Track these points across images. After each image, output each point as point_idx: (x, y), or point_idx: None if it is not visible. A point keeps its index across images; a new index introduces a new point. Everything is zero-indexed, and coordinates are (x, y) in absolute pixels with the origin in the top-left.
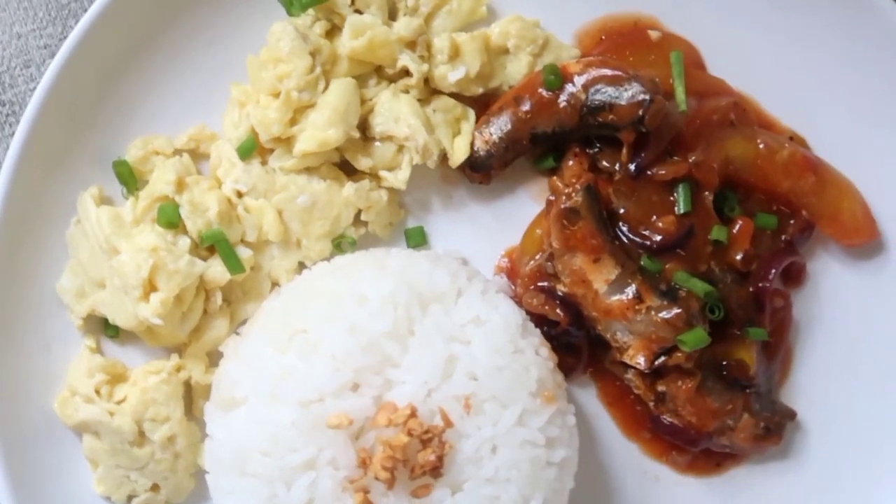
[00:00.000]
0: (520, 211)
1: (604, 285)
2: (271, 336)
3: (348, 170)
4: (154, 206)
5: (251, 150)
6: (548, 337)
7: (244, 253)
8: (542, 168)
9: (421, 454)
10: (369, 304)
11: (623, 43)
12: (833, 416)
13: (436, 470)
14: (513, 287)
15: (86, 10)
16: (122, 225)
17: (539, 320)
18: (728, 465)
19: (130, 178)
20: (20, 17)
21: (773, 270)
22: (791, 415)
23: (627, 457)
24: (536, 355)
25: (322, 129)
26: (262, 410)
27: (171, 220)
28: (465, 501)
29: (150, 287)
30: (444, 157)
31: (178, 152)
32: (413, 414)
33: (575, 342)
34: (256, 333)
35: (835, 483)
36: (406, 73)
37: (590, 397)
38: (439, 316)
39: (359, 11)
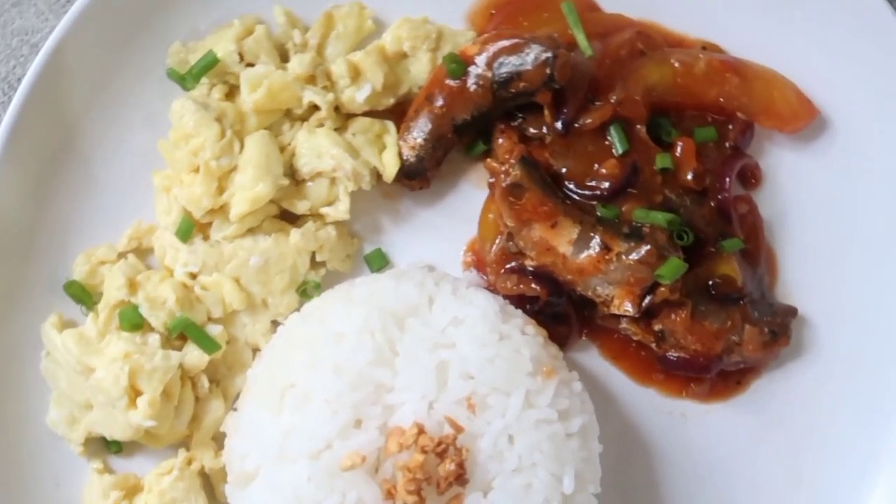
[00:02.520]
0: (467, 202)
1: (569, 247)
2: (263, 400)
3: (290, 218)
4: (114, 314)
5: (190, 230)
6: (533, 313)
7: (215, 330)
8: (476, 154)
9: (441, 467)
10: (346, 339)
11: (514, 11)
12: (834, 300)
13: (460, 478)
14: (485, 277)
15: None
16: (88, 343)
17: (520, 300)
18: (749, 380)
19: (85, 296)
20: None
21: (728, 178)
22: (792, 312)
23: (648, 404)
24: (524, 335)
25: (250, 187)
26: (275, 475)
27: (133, 322)
28: (500, 499)
29: (135, 393)
30: (378, 176)
31: (122, 255)
32: (421, 431)
33: (561, 310)
34: (249, 403)
35: (857, 363)
36: (315, 107)
37: (594, 358)
38: (418, 328)
39: (251, 64)
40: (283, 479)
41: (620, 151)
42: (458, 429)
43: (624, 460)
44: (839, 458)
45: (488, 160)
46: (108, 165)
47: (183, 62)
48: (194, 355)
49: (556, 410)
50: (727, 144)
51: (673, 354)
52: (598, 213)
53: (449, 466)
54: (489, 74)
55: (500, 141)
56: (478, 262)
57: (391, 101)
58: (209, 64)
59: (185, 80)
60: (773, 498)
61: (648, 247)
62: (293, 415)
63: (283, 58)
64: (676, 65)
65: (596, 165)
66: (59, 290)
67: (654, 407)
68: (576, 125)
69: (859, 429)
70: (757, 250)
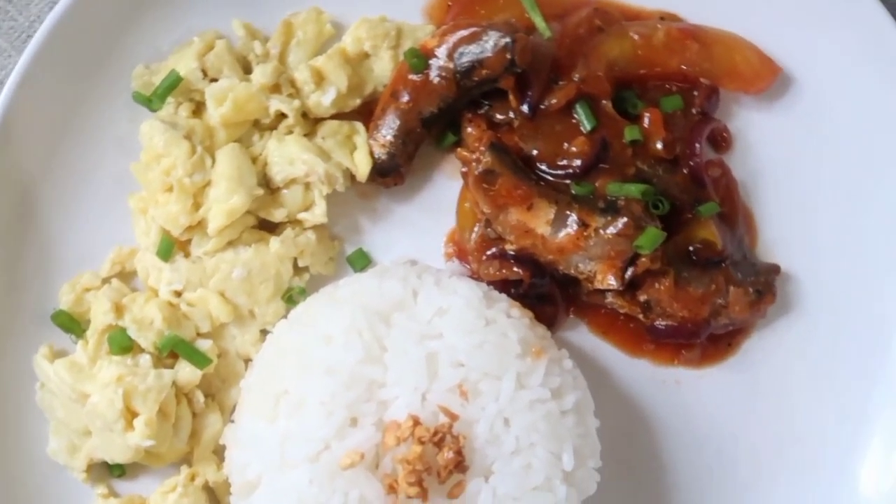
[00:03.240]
0: (443, 194)
1: (547, 227)
2: (258, 409)
3: (269, 227)
4: (103, 339)
5: (170, 249)
6: (519, 297)
7: (204, 345)
8: (446, 146)
9: (439, 456)
10: (335, 341)
11: (470, 1)
12: (815, 254)
13: (460, 465)
14: (467, 266)
15: None
16: (81, 370)
17: (505, 285)
18: (739, 342)
19: (73, 324)
20: None
21: (697, 144)
22: (775, 269)
23: (642, 374)
24: (509, 318)
25: (225, 200)
26: (277, 482)
27: (122, 345)
28: (501, 482)
29: (131, 414)
30: (352, 177)
31: (106, 280)
32: (417, 422)
33: (546, 291)
34: (245, 413)
35: (844, 312)
36: (282, 115)
37: (584, 335)
38: (404, 322)
39: (214, 79)
40: (285, 484)
41: (588, 128)
42: (453, 417)
43: (623, 433)
44: (836, 407)
45: (459, 150)
46: (84, 192)
47: (147, 84)
48: (187, 372)
49: (549, 389)
50: (694, 111)
51: (661, 323)
52: (573, 191)
53: (447, 455)
54: (451, 65)
55: (469, 130)
56: (459, 252)
57: (357, 101)
58: (173, 83)
59: (151, 101)
60: (773, 455)
61: (625, 219)
62: (289, 420)
63: (246, 70)
64: (636, 37)
65: (566, 144)
66: (46, 320)
67: (647, 377)
68: (542, 107)
69: (853, 376)
70: (734, 212)
